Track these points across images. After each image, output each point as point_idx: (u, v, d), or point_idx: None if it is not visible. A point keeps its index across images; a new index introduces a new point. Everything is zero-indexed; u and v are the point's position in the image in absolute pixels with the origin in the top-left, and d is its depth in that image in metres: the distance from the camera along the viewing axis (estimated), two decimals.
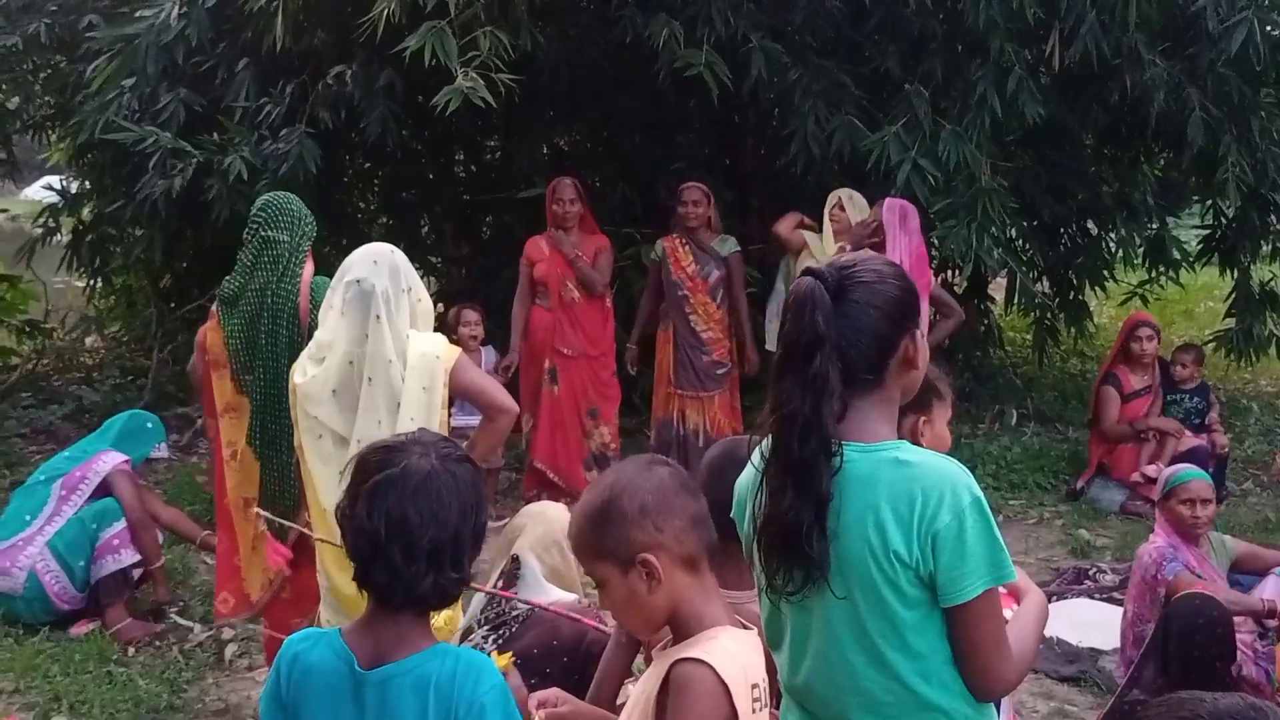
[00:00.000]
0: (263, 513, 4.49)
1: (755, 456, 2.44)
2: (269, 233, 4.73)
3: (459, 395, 4.19)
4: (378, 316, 4.04)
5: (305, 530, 4.25)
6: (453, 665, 2.30)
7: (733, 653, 2.33)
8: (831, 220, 7.77)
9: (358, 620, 2.38)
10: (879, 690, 2.34)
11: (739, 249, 8.10)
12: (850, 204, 7.75)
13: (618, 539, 2.36)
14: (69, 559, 5.84)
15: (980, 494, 2.30)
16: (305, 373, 4.13)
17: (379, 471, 2.31)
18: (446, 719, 2.27)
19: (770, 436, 2.37)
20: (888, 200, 7.21)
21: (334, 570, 4.06)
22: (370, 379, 4.03)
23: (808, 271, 2.39)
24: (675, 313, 8.01)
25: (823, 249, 7.70)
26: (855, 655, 2.34)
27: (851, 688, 2.36)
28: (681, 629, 2.40)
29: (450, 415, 4.16)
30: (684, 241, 7.97)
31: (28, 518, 5.90)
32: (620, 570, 2.36)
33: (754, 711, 2.32)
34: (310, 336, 4.44)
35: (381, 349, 4.03)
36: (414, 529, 2.26)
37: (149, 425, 6.37)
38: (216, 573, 5.12)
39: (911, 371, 2.43)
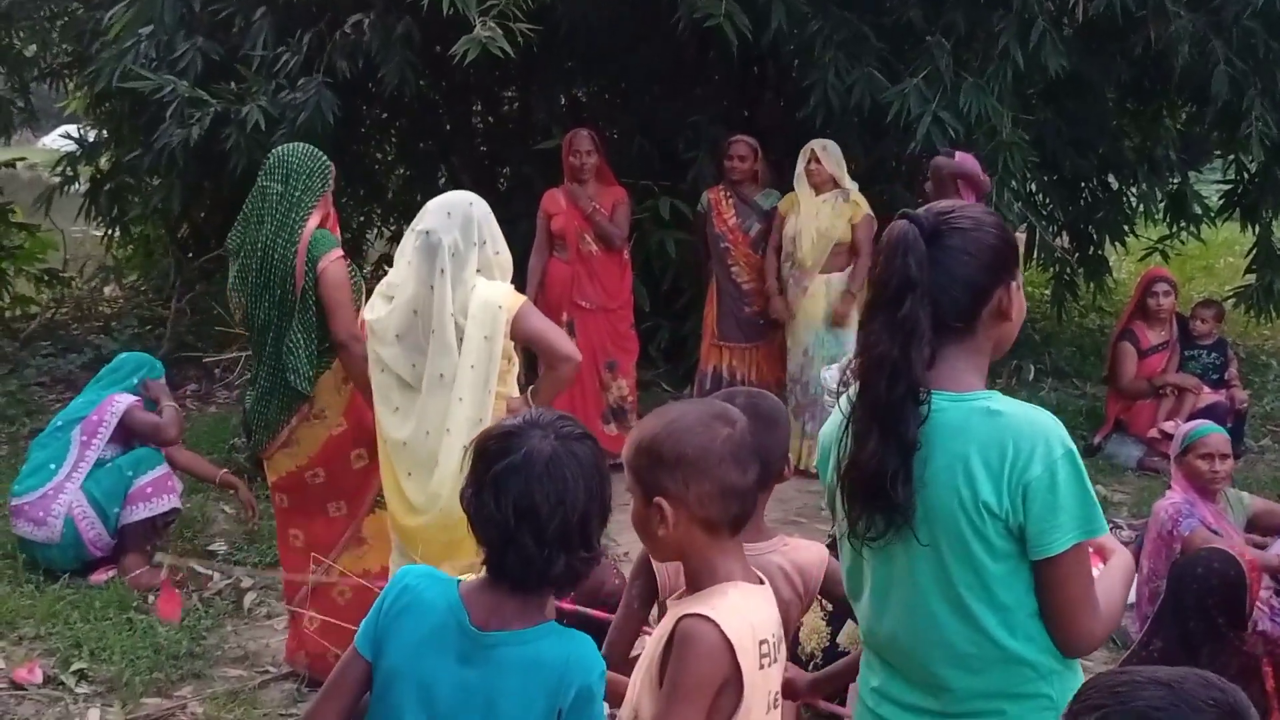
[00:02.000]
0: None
1: (842, 403, 2.41)
2: (264, 182, 4.76)
3: (522, 341, 4.23)
4: (442, 270, 4.08)
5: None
6: (565, 648, 2.30)
7: (740, 609, 2.31)
8: (808, 174, 7.80)
9: (477, 580, 2.36)
10: (963, 642, 2.32)
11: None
12: (825, 155, 7.79)
13: (647, 474, 2.35)
14: (105, 505, 5.91)
15: (1073, 445, 2.26)
16: (374, 309, 4.23)
17: (501, 459, 2.28)
18: (551, 699, 2.27)
19: (857, 381, 2.34)
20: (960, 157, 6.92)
21: (393, 500, 4.25)
22: (434, 330, 4.09)
23: (903, 214, 2.34)
24: (717, 265, 8.12)
25: (811, 204, 7.72)
26: (939, 606, 2.32)
27: (935, 639, 2.34)
28: (693, 580, 2.39)
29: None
30: (728, 194, 8.07)
31: (52, 466, 5.94)
32: (643, 498, 2.36)
33: (761, 668, 2.31)
34: (303, 295, 4.57)
35: (444, 302, 4.07)
36: (542, 514, 2.24)
37: (143, 366, 6.40)
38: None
39: (1005, 323, 2.38)
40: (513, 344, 4.19)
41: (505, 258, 4.30)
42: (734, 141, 8.10)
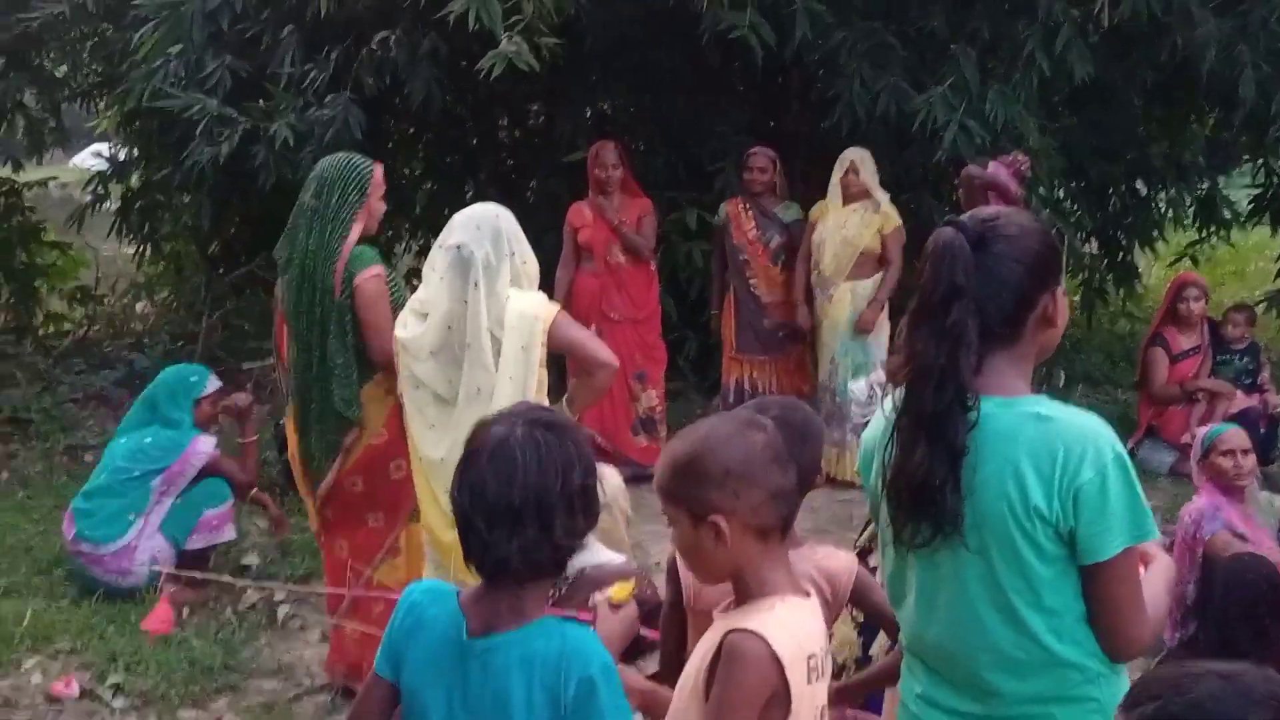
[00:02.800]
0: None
1: (888, 408, 2.42)
2: (302, 197, 4.78)
3: (558, 350, 4.24)
4: (476, 284, 4.09)
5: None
6: (559, 643, 2.27)
7: (788, 624, 2.31)
8: (844, 185, 7.79)
9: (475, 588, 2.36)
10: (1011, 647, 2.31)
11: (802, 216, 8.10)
12: (863, 165, 7.78)
13: (695, 494, 2.34)
14: (178, 536, 5.95)
15: (1123, 450, 2.27)
16: (406, 327, 4.23)
17: (468, 449, 2.32)
18: (552, 695, 2.24)
19: (903, 388, 2.34)
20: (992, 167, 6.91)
21: (430, 514, 4.23)
22: (469, 344, 4.10)
23: (949, 222, 2.34)
24: (736, 277, 8.09)
25: (839, 213, 7.72)
26: (987, 611, 2.32)
27: (983, 644, 2.34)
28: (743, 592, 2.38)
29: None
30: (747, 206, 8.05)
31: (131, 517, 5.89)
32: (691, 522, 2.35)
33: (809, 682, 2.30)
34: (339, 313, 4.58)
35: (479, 316, 4.08)
36: (491, 495, 2.24)
37: (193, 378, 6.36)
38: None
39: (1050, 330, 2.38)
40: (544, 354, 4.20)
41: (533, 267, 4.31)
42: (753, 153, 8.09)
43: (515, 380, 4.08)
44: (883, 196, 7.83)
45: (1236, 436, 5.35)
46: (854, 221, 7.74)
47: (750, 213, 8.04)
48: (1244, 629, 4.57)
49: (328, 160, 4.85)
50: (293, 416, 4.89)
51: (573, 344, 4.24)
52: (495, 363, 4.08)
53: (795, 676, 2.27)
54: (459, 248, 4.14)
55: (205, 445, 6.10)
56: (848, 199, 7.81)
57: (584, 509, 2.32)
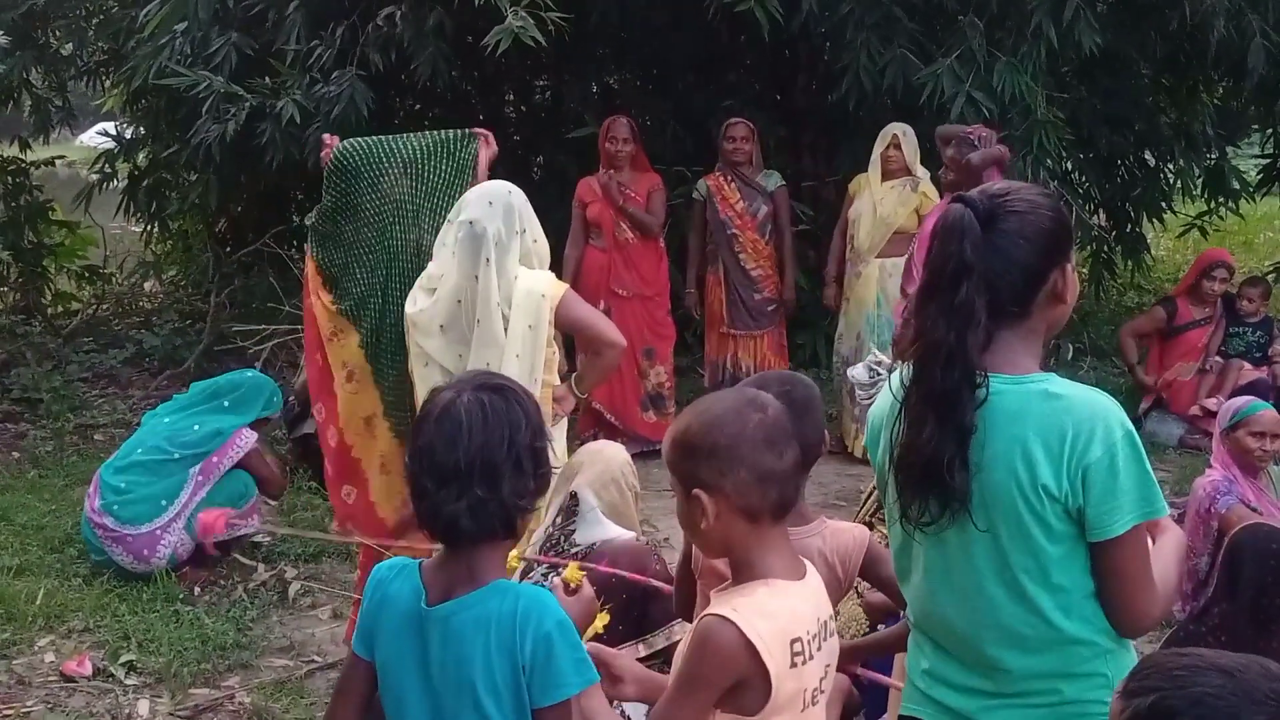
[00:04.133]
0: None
1: (894, 385, 2.42)
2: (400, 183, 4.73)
3: (566, 329, 4.23)
4: (488, 260, 4.09)
5: None
6: (513, 602, 2.30)
7: (770, 608, 2.28)
8: (885, 160, 7.71)
9: (438, 555, 2.41)
10: (1019, 624, 2.32)
11: (784, 183, 8.09)
12: (905, 141, 7.67)
13: (684, 467, 2.35)
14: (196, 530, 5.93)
15: (1132, 427, 2.26)
16: (416, 303, 4.24)
17: (419, 416, 2.39)
18: (509, 655, 2.27)
19: (911, 365, 2.34)
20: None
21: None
22: (480, 320, 4.10)
23: (958, 198, 2.33)
24: (724, 251, 8.00)
25: (878, 189, 7.67)
26: (996, 589, 2.32)
27: (991, 621, 2.34)
28: (737, 573, 2.38)
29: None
30: (729, 178, 7.96)
31: (164, 503, 5.83)
32: (683, 491, 2.36)
33: (794, 665, 2.28)
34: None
35: (489, 292, 4.08)
36: (438, 457, 2.28)
37: (274, 398, 6.31)
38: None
39: (1059, 306, 2.37)
40: (554, 332, 4.20)
41: (543, 245, 4.31)
42: (731, 124, 8.01)
43: (523, 358, 4.08)
44: (923, 174, 7.71)
45: (1271, 419, 5.31)
46: (891, 199, 7.64)
47: (733, 184, 7.94)
48: (1271, 600, 4.51)
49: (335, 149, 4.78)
50: (363, 374, 4.71)
51: (580, 323, 4.24)
52: (506, 330, 4.08)
53: (774, 661, 2.25)
54: (471, 223, 4.13)
55: (248, 438, 6.04)
56: (887, 175, 7.71)
57: (533, 470, 2.34)
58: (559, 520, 4.13)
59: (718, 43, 9.79)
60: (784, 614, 2.30)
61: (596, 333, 4.24)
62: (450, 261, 4.16)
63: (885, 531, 2.76)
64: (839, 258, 8.00)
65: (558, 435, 4.54)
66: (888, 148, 7.70)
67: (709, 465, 2.31)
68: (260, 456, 6.14)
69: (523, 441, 2.32)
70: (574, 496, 4.13)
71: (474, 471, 2.27)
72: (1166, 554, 2.45)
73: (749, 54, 10.30)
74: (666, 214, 8.17)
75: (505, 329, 4.09)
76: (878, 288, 7.71)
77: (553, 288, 4.16)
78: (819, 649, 2.36)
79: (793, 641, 2.29)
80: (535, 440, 2.35)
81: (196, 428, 6.02)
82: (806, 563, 2.46)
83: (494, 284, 4.09)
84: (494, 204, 4.18)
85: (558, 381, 4.29)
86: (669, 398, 7.86)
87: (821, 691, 2.39)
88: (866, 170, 7.85)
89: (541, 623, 2.28)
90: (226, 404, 6.14)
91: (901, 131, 7.69)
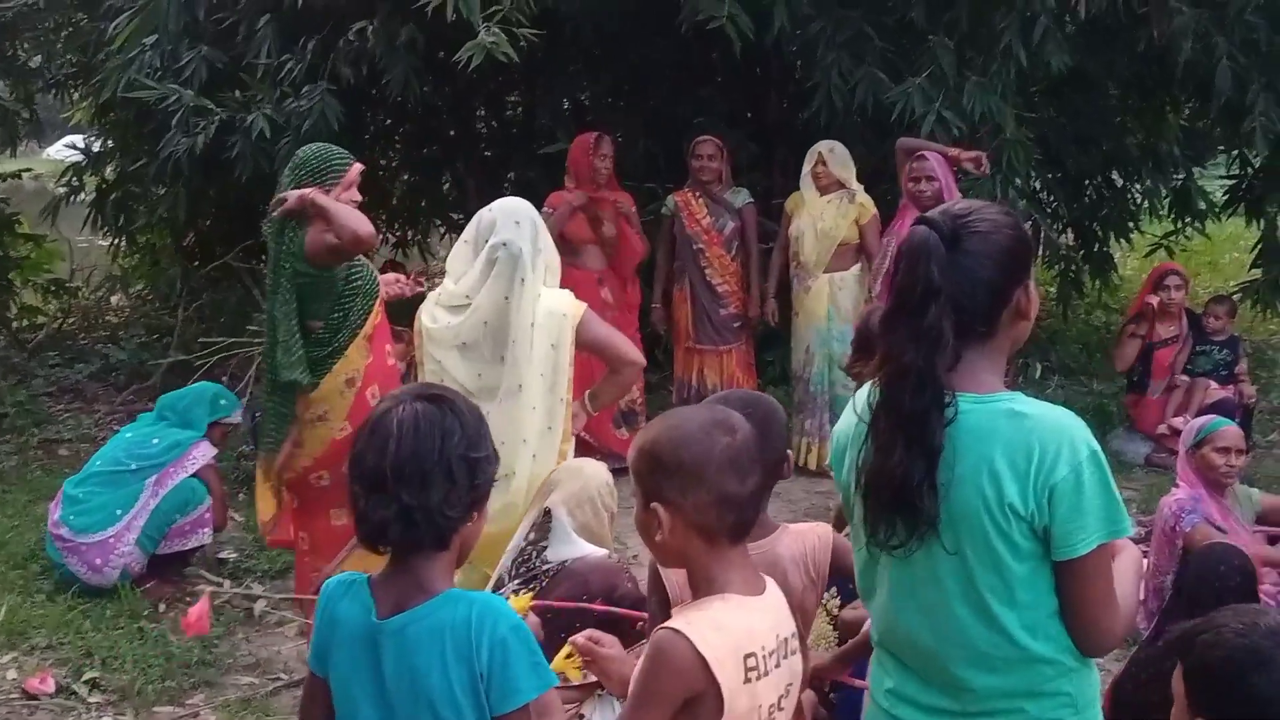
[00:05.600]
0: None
1: (858, 405, 2.41)
2: (281, 180, 4.77)
3: (585, 348, 4.24)
4: (522, 280, 4.10)
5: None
6: (467, 610, 2.29)
7: (724, 623, 2.28)
8: (814, 176, 7.81)
9: (385, 569, 2.40)
10: (985, 643, 2.32)
11: (752, 200, 8.14)
12: (831, 157, 7.80)
13: (647, 479, 2.35)
14: (146, 544, 5.90)
15: (1098, 447, 2.27)
16: (435, 319, 4.22)
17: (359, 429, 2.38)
18: (466, 663, 2.27)
19: (877, 388, 2.33)
20: (931, 155, 7.13)
21: None
22: (515, 340, 4.12)
23: (921, 219, 2.33)
24: (690, 267, 8.04)
25: (816, 205, 7.76)
26: (962, 608, 2.32)
27: (957, 640, 2.34)
28: (695, 589, 2.39)
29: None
30: (697, 195, 8.02)
31: (118, 512, 5.85)
32: (643, 502, 2.36)
33: (747, 681, 2.28)
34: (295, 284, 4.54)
35: (523, 313, 4.09)
36: (370, 465, 2.28)
37: (222, 401, 6.36)
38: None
39: (1022, 322, 2.38)
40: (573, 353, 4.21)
41: (556, 261, 4.35)
42: (700, 141, 8.07)
43: (546, 377, 4.10)
44: (857, 187, 7.84)
45: (1234, 435, 5.35)
46: (830, 212, 7.75)
47: (701, 200, 8.00)
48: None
49: (309, 147, 4.84)
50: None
51: (600, 342, 4.27)
52: (532, 349, 4.09)
53: (726, 676, 2.25)
54: (505, 245, 4.13)
55: (205, 452, 6.11)
56: (821, 190, 7.82)
57: (467, 481, 2.32)
58: (532, 536, 4.12)
59: (690, 59, 9.81)
60: (738, 628, 2.30)
61: (617, 352, 4.29)
62: (479, 282, 4.15)
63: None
64: (778, 275, 8.07)
65: (570, 453, 4.56)
66: (815, 164, 7.81)
67: (671, 482, 2.31)
68: (214, 472, 6.17)
69: (454, 451, 2.30)
70: (547, 513, 4.12)
71: (401, 480, 2.26)
72: (1127, 574, 2.47)
73: (721, 71, 10.32)
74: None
75: (531, 349, 4.10)
76: (828, 301, 7.79)
77: (573, 307, 4.19)
78: (776, 666, 2.36)
79: (746, 656, 2.28)
80: (469, 450, 2.33)
81: (156, 441, 6.09)
82: (768, 579, 2.46)
83: (528, 305, 4.10)
84: (521, 223, 4.20)
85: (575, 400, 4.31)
86: (641, 414, 7.85)
87: (780, 709, 2.38)
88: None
89: (496, 628, 2.28)
90: (172, 420, 6.17)
91: (827, 149, 7.82)
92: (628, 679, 2.59)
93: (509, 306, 4.11)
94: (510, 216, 4.23)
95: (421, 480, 2.27)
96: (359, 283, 4.74)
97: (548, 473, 4.24)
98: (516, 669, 2.27)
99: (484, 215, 4.31)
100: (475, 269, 4.19)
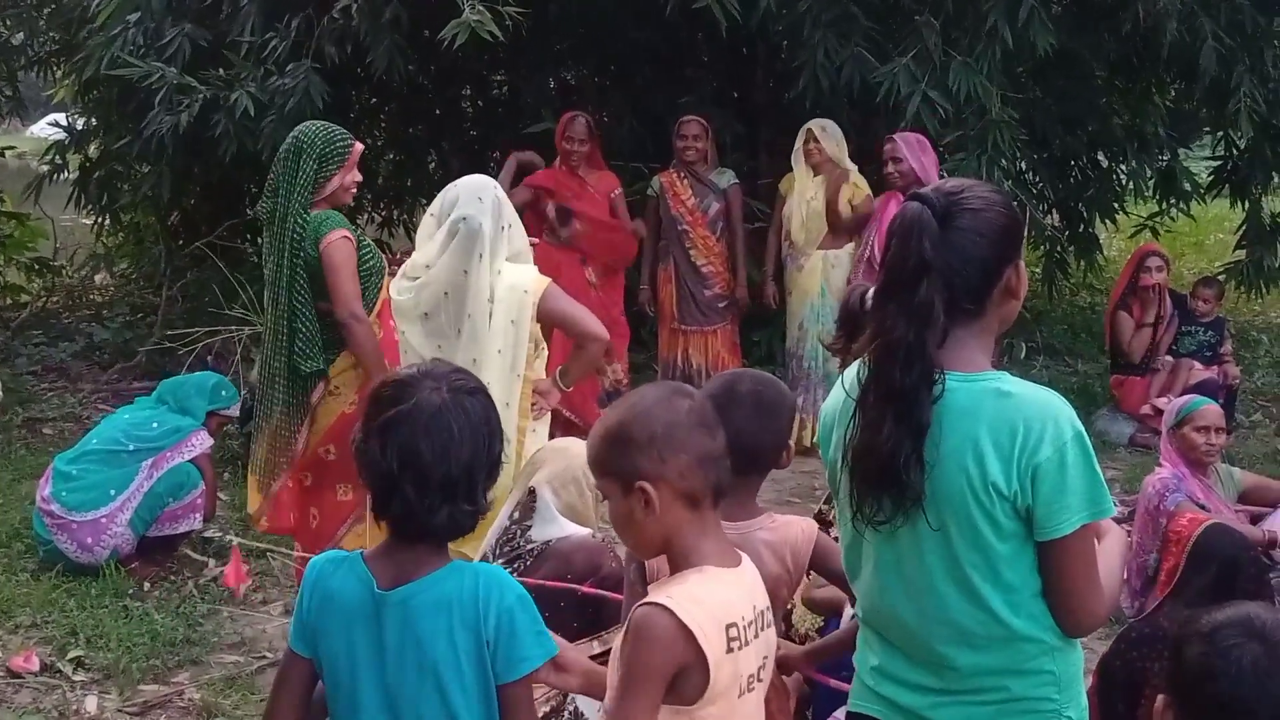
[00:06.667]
0: None
1: (847, 382, 2.41)
2: (280, 157, 4.76)
3: (548, 322, 4.24)
4: (480, 255, 4.12)
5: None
6: (473, 580, 2.32)
7: (701, 596, 2.29)
8: (806, 154, 7.81)
9: (379, 545, 2.40)
10: (968, 621, 2.33)
11: (737, 181, 8.13)
12: (824, 135, 7.79)
13: (623, 462, 2.34)
14: (138, 526, 5.86)
15: (1082, 428, 2.27)
16: (400, 290, 4.25)
17: (390, 407, 2.30)
18: (474, 632, 2.28)
19: (867, 364, 2.34)
20: (899, 137, 7.24)
21: None
22: (470, 315, 4.13)
23: (914, 196, 2.34)
24: (675, 248, 8.04)
25: (806, 184, 7.75)
26: (946, 586, 2.33)
27: (941, 618, 2.35)
28: (674, 563, 2.38)
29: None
30: (682, 175, 8.00)
31: (112, 492, 5.79)
32: (621, 490, 2.34)
33: (730, 650, 2.29)
34: (309, 271, 4.52)
35: (481, 288, 4.10)
36: (426, 465, 2.26)
37: (223, 392, 6.33)
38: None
39: (1011, 301, 2.39)
40: (539, 329, 4.21)
41: (521, 239, 4.35)
42: (685, 121, 8.04)
43: (504, 353, 4.11)
44: (850, 166, 7.83)
45: (1214, 414, 5.37)
46: (822, 192, 7.75)
47: (686, 181, 7.98)
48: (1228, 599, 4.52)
49: (309, 126, 4.80)
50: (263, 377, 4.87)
51: (562, 317, 4.27)
52: (489, 325, 4.10)
53: (710, 646, 2.25)
54: (465, 219, 4.15)
55: (203, 440, 6.07)
56: (814, 169, 7.82)
57: (497, 471, 2.37)
58: (516, 515, 4.11)
59: (676, 39, 9.80)
60: (718, 600, 2.31)
61: (579, 327, 4.28)
62: (437, 254, 4.17)
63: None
64: (775, 257, 8.09)
65: (541, 429, 4.56)
66: (806, 142, 7.81)
67: (648, 454, 2.31)
68: (208, 461, 6.14)
69: (496, 449, 2.34)
70: (531, 493, 4.11)
71: (460, 485, 2.28)
72: (1111, 554, 2.48)
73: (707, 51, 10.31)
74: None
75: (489, 324, 4.11)
76: (821, 278, 7.81)
77: (534, 283, 4.20)
78: (755, 636, 2.37)
79: (728, 626, 2.29)
80: (504, 445, 2.38)
81: (155, 425, 6.04)
82: (743, 554, 2.46)
83: (485, 280, 4.11)
84: (484, 199, 4.21)
85: (543, 375, 4.30)
86: (626, 394, 7.84)
87: (759, 680, 2.40)
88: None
89: (503, 597, 2.31)
90: (171, 405, 6.15)
91: (819, 127, 7.83)
92: (587, 673, 2.59)
93: (467, 281, 4.12)
94: (473, 193, 4.25)
95: (475, 483, 2.31)
96: (371, 262, 4.71)
97: None
98: (523, 637, 2.31)
99: (449, 190, 4.33)
100: (436, 241, 4.22)
